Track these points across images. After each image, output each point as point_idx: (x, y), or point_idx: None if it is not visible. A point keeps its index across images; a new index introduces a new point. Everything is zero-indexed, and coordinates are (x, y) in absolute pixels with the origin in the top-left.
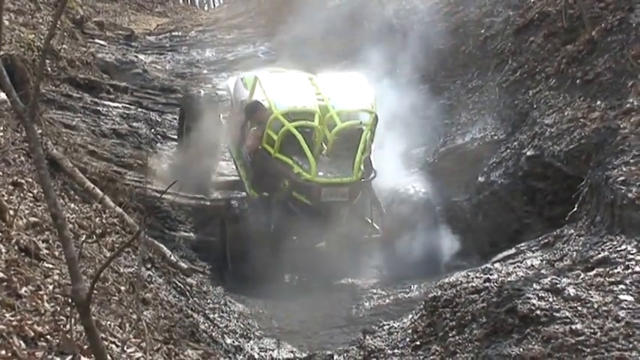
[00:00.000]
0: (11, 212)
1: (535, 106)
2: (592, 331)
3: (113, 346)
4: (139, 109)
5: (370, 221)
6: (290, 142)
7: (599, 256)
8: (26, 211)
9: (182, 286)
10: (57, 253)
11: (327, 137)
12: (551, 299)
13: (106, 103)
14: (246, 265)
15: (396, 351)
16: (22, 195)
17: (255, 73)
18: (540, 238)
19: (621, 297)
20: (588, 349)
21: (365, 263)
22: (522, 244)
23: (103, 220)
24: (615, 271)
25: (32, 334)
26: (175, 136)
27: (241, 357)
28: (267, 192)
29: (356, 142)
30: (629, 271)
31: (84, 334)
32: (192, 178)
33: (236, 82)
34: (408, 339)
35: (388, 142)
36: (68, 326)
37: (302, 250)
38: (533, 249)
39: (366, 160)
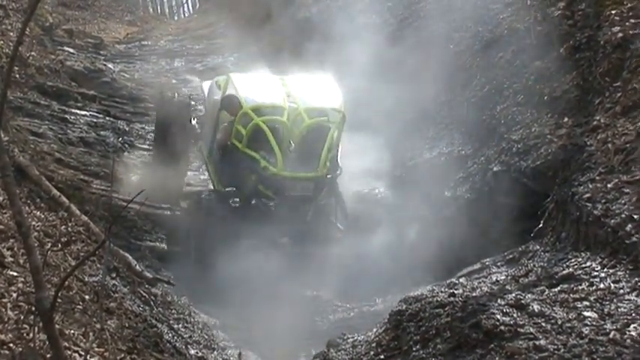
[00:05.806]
0: None
1: (502, 122)
2: (555, 347)
3: (76, 355)
4: (107, 118)
5: (334, 221)
6: (258, 136)
7: (564, 272)
8: None
9: (147, 296)
10: (21, 261)
11: (294, 133)
12: (515, 315)
13: (73, 111)
14: (211, 265)
15: None
16: None
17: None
18: (506, 254)
19: (585, 313)
20: None
21: (330, 273)
22: (487, 260)
23: (69, 229)
24: (580, 287)
25: None
26: (143, 145)
27: None
28: (234, 187)
29: (323, 139)
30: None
31: (47, 342)
32: (162, 186)
33: (210, 85)
34: (372, 352)
35: (355, 154)
36: (31, 335)
37: (266, 254)
38: (498, 264)
39: (332, 157)
